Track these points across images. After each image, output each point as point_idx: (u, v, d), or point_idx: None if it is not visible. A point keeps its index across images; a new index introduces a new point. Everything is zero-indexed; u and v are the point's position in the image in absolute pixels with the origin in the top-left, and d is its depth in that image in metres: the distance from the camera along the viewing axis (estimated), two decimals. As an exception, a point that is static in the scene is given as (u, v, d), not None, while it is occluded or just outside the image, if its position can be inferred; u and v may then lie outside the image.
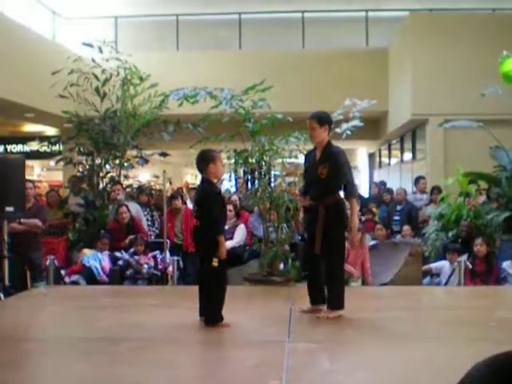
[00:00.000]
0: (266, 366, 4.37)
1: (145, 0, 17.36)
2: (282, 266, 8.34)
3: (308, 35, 18.14)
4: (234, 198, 11.52)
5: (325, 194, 5.89)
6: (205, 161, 5.69)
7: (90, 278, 8.88)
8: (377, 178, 21.06)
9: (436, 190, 11.73)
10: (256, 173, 8.83)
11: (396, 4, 17.59)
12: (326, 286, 5.95)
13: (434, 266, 9.33)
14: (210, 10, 18.02)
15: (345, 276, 6.41)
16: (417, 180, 12.92)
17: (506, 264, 8.48)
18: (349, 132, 8.54)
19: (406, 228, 10.87)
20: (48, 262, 8.27)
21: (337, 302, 5.88)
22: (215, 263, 5.43)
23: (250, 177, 11.05)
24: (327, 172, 5.84)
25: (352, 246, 8.29)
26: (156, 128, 11.32)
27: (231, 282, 8.35)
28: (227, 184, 17.20)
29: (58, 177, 20.02)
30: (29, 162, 17.98)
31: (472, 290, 8.11)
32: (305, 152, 8.61)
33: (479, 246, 8.66)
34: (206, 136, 8.85)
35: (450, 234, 9.84)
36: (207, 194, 5.61)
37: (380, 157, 22.23)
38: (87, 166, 11.30)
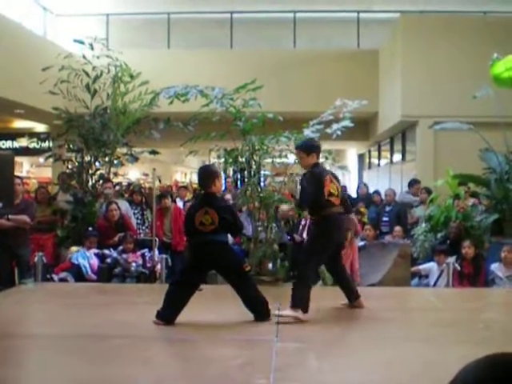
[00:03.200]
0: (253, 365, 4.37)
1: (136, -2, 17.37)
2: (270, 265, 8.34)
3: (299, 35, 18.15)
4: (227, 196, 11.46)
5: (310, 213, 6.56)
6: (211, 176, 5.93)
7: (79, 275, 8.85)
8: (366, 179, 21.09)
9: (424, 190, 11.73)
10: (246, 172, 8.84)
11: (387, 5, 17.62)
12: None
13: (422, 267, 9.36)
14: (201, 9, 18.00)
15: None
16: (411, 183, 12.90)
17: (494, 266, 8.50)
18: (339, 132, 8.55)
19: (398, 229, 10.87)
20: (36, 259, 8.24)
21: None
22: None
23: (239, 176, 11.05)
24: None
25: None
26: (146, 126, 11.29)
27: (219, 281, 8.37)
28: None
29: (47, 173, 19.95)
30: (18, 159, 17.96)
31: (460, 292, 8.14)
32: (294, 152, 8.66)
33: (467, 249, 8.69)
34: (196, 134, 8.85)
35: (439, 235, 9.87)
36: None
37: (370, 158, 22.28)
38: (76, 163, 11.25)
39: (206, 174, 5.94)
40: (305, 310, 5.77)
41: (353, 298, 6.44)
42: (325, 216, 6.08)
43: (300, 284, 5.90)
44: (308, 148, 6.29)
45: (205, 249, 5.78)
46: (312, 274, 6.20)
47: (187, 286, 5.68)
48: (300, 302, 5.78)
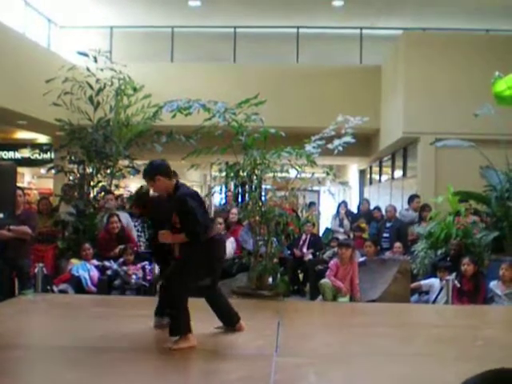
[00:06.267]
0: (252, 380, 4.37)
1: (140, 11, 17.36)
2: (270, 279, 8.34)
3: (302, 51, 18.21)
4: (233, 210, 11.46)
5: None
6: None
7: (79, 287, 8.86)
8: (367, 195, 21.09)
9: (426, 207, 11.74)
10: (247, 186, 8.85)
11: (390, 22, 17.70)
12: None
13: (424, 282, 9.36)
14: (205, 23, 18.07)
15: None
16: (411, 198, 12.91)
17: (493, 284, 8.50)
18: (340, 148, 8.57)
19: (398, 245, 10.90)
20: (37, 270, 8.25)
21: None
22: None
23: (240, 190, 11.06)
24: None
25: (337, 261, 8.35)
26: (148, 139, 11.32)
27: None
28: (218, 197, 17.18)
29: (49, 185, 19.96)
30: (19, 169, 17.94)
31: (459, 309, 8.14)
32: (297, 167, 8.66)
33: (466, 266, 8.69)
34: (198, 148, 8.87)
35: (439, 252, 9.87)
36: None
37: (371, 174, 22.27)
38: (78, 175, 11.28)
39: None
40: (190, 330, 5.36)
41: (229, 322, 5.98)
42: (211, 238, 5.54)
43: (178, 312, 5.37)
44: (151, 173, 5.56)
45: None
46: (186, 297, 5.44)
47: None
48: (183, 327, 5.34)
